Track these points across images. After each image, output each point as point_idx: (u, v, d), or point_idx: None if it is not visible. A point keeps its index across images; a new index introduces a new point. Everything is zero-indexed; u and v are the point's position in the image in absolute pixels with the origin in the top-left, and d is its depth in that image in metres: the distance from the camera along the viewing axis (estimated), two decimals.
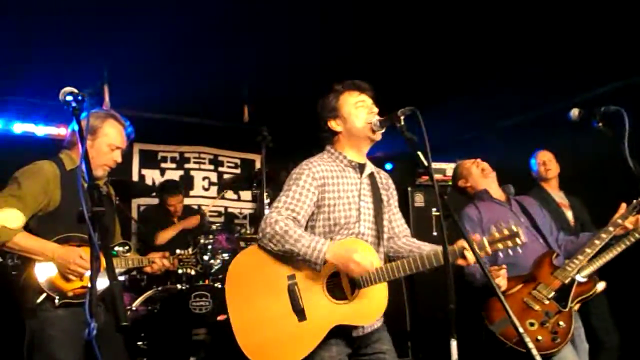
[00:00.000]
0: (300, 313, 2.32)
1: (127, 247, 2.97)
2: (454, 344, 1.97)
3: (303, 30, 4.13)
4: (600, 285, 3.88)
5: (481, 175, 3.46)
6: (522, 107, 5.63)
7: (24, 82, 4.84)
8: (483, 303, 3.10)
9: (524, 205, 3.39)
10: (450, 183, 5.48)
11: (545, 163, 4.44)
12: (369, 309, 2.34)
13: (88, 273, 2.51)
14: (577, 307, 3.15)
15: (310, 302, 2.32)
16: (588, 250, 3.06)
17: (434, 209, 5.15)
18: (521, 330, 1.89)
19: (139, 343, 4.04)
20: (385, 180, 2.73)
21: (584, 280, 3.10)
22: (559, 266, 3.07)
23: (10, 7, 3.74)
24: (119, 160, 2.85)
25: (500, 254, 2.42)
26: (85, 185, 1.94)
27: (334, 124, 2.57)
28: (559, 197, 4.34)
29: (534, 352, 1.90)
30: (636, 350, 4.29)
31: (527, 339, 1.90)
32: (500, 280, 2.92)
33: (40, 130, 5.66)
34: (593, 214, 4.21)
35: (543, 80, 4.85)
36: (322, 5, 3.78)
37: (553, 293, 3.00)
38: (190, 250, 3.33)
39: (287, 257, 2.34)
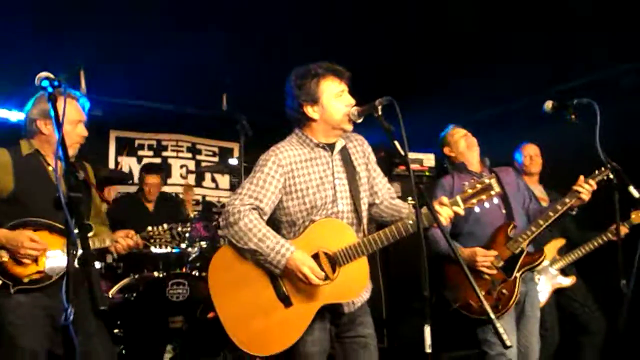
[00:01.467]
0: (285, 299, 2.36)
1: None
2: (427, 329, 2.02)
3: (283, 15, 4.12)
4: (567, 281, 4.05)
5: (466, 148, 3.56)
6: (498, 99, 5.69)
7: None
8: (440, 268, 3.25)
9: (499, 176, 3.44)
10: (427, 173, 5.61)
11: (532, 158, 4.48)
12: (352, 284, 2.39)
13: (51, 255, 2.48)
14: (537, 275, 3.38)
15: (294, 287, 2.36)
16: (541, 222, 3.18)
17: (409, 198, 5.21)
18: (488, 309, 1.95)
19: (116, 330, 4.03)
20: (359, 147, 2.66)
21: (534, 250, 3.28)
22: (511, 237, 3.20)
23: None
24: (85, 133, 2.78)
25: (476, 209, 2.48)
26: (61, 170, 1.92)
27: (310, 110, 2.48)
28: (539, 190, 4.37)
29: (492, 315, 2.00)
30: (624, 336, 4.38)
31: (492, 314, 1.98)
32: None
33: (14, 115, 5.57)
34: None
35: (518, 73, 4.91)
36: None
37: (502, 263, 3.15)
38: (164, 226, 3.06)
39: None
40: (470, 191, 2.43)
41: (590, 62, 4.72)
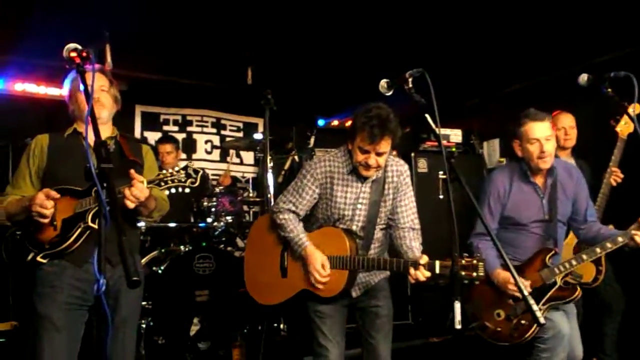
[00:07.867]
0: (284, 271, 2.93)
1: None
2: (457, 306, 2.00)
3: None
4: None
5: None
6: (526, 73, 5.55)
7: (25, 41, 4.78)
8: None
9: (556, 189, 3.14)
10: (454, 149, 5.48)
11: (566, 131, 4.08)
12: (330, 284, 2.74)
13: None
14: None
15: (293, 265, 2.89)
16: (584, 257, 3.01)
17: (440, 172, 5.11)
18: (522, 287, 1.90)
19: (143, 303, 4.08)
20: (396, 178, 2.87)
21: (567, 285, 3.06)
22: (548, 265, 3.03)
23: None
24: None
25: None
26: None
27: (350, 139, 2.77)
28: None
29: (525, 292, 1.94)
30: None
31: (525, 291, 1.91)
32: None
33: (42, 90, 5.64)
34: (596, 182, 4.09)
35: (548, 46, 4.77)
36: None
37: (530, 290, 2.91)
38: (174, 168, 2.41)
39: None
40: (447, 264, 2.45)
41: (626, 36, 4.54)
